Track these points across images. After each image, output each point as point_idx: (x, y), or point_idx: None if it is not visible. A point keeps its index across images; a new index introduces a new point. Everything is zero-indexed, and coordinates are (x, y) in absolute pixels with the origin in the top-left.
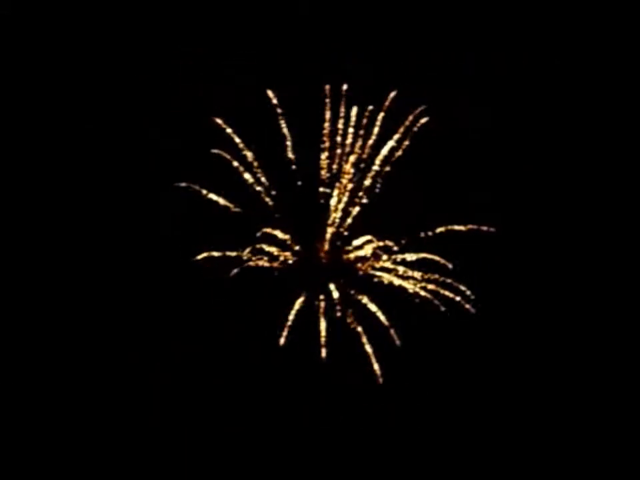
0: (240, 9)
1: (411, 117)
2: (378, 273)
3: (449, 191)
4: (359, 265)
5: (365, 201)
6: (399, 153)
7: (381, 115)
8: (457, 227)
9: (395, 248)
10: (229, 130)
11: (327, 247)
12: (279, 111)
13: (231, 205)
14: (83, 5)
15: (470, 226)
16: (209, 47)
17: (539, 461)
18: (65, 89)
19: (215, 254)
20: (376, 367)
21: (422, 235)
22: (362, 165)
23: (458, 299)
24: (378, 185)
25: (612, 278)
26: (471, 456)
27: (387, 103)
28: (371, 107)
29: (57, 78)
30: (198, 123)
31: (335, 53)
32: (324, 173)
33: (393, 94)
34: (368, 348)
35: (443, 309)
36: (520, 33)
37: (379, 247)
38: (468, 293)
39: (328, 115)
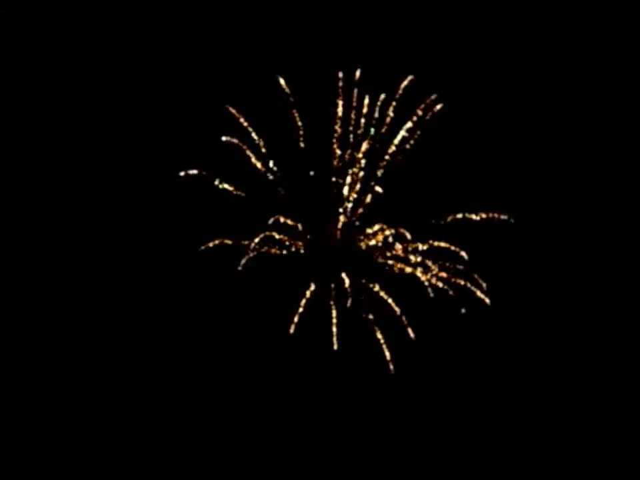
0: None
1: (423, 105)
2: (390, 262)
3: (462, 179)
4: (372, 253)
5: (377, 189)
6: (412, 142)
7: (394, 102)
8: (471, 216)
9: (408, 236)
10: (240, 119)
11: (338, 235)
12: (290, 99)
13: (241, 193)
14: (83, 5)
15: (483, 214)
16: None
17: (559, 458)
18: (65, 88)
19: (225, 242)
20: (388, 355)
21: (435, 223)
22: (374, 154)
23: (471, 287)
24: (391, 174)
25: (628, 268)
26: (485, 451)
27: (401, 88)
28: (383, 96)
29: (57, 78)
30: (207, 112)
31: (336, 53)
32: (336, 162)
33: (408, 79)
34: (380, 337)
35: (455, 297)
36: (520, 33)
37: (391, 236)
38: (482, 283)
39: (340, 103)
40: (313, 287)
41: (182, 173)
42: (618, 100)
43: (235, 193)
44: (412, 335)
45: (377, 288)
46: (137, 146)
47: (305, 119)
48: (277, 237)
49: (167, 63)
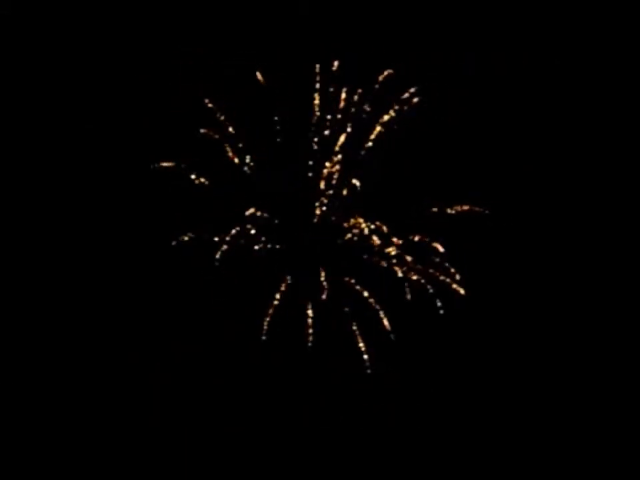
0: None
1: (402, 97)
2: (367, 255)
3: (441, 174)
4: (348, 247)
5: (355, 181)
6: (390, 135)
7: (375, 96)
8: (449, 210)
9: (385, 230)
10: (218, 113)
11: (316, 229)
12: (268, 93)
13: (217, 186)
14: (82, 5)
15: (460, 207)
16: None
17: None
18: (65, 88)
19: (200, 235)
20: (363, 347)
21: (412, 216)
22: (352, 147)
23: (447, 279)
24: (369, 167)
25: (607, 260)
26: (462, 442)
27: (380, 81)
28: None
29: (57, 78)
30: (188, 105)
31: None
32: (313, 158)
33: (386, 72)
34: (357, 333)
35: (431, 289)
36: (520, 33)
37: (369, 230)
38: (457, 275)
39: (317, 96)
40: (288, 281)
41: (156, 165)
42: (617, 100)
43: (207, 184)
44: (387, 326)
45: (352, 281)
46: (115, 138)
47: (286, 113)
48: (253, 230)
49: (151, 58)
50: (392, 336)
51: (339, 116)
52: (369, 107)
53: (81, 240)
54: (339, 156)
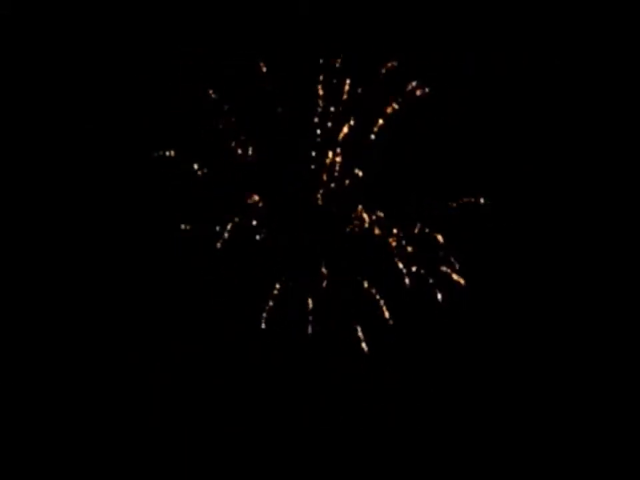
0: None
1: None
2: (368, 246)
3: (442, 165)
4: (350, 237)
5: (357, 172)
6: (392, 127)
7: (378, 88)
8: (450, 202)
9: (386, 221)
10: (223, 103)
11: (317, 219)
12: (270, 84)
13: (219, 177)
14: (83, 5)
15: (461, 198)
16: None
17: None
18: (65, 89)
19: (201, 225)
20: (362, 336)
21: (415, 208)
22: (354, 139)
23: (447, 270)
24: (371, 158)
25: (607, 251)
26: (464, 444)
27: (383, 73)
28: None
29: (58, 78)
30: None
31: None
32: (315, 151)
33: (390, 64)
34: (357, 323)
35: (431, 281)
36: (520, 33)
37: (370, 220)
38: (457, 265)
39: (320, 87)
40: (289, 273)
41: (158, 154)
42: (617, 100)
43: (208, 174)
44: (387, 316)
45: (353, 271)
46: (116, 132)
47: (288, 104)
48: (254, 222)
49: (152, 57)
50: (390, 322)
51: (341, 108)
52: (372, 98)
53: (80, 232)
54: (341, 147)
